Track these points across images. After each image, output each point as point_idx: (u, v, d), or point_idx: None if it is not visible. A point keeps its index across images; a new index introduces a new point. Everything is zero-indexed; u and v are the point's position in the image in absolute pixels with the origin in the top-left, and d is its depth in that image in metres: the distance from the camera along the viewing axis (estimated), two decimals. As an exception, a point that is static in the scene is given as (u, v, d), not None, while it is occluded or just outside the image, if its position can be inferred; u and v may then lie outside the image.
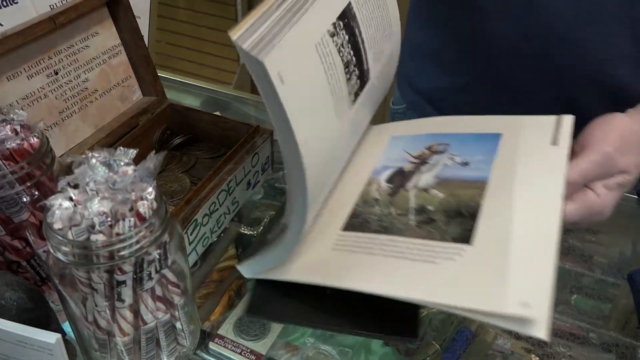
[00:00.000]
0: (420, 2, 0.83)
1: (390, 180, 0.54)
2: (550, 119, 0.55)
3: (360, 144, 0.59)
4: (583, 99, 0.70)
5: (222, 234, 0.64)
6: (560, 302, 0.59)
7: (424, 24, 0.83)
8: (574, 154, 0.52)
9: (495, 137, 0.55)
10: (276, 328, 0.55)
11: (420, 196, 0.51)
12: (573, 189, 0.49)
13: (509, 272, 0.41)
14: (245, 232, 0.66)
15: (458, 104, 0.80)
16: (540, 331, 0.37)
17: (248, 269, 0.51)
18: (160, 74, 0.74)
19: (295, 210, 0.44)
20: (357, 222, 0.50)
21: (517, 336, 0.55)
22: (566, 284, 0.61)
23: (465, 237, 0.45)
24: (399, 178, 0.54)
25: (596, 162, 0.50)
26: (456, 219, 0.47)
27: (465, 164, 0.53)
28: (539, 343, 0.54)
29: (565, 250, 0.64)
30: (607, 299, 0.59)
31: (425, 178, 0.53)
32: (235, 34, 0.36)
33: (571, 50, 0.67)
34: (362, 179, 0.55)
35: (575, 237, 0.66)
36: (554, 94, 0.71)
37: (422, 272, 0.43)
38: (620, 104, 0.71)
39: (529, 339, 0.55)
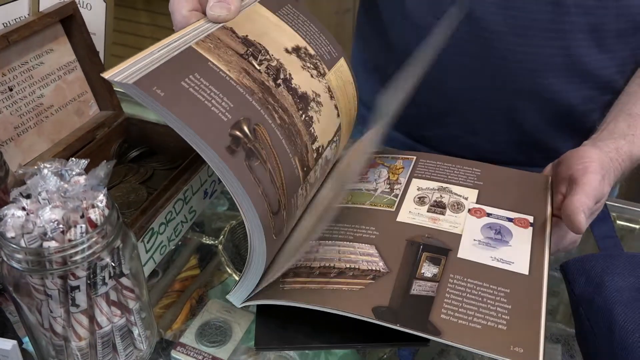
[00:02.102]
0: (362, 18, 0.85)
1: None
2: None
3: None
4: (521, 107, 0.74)
5: (182, 243, 0.65)
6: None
7: (367, 40, 0.85)
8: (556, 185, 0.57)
9: None
10: (238, 333, 0.56)
11: None
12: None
13: None
14: (207, 242, 0.67)
15: (405, 116, 0.82)
16: None
17: (234, 297, 0.52)
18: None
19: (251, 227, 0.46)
20: None
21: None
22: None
23: None
24: None
25: (595, 189, 0.52)
26: None
27: None
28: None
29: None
30: (555, 293, 0.62)
31: None
32: (107, 74, 0.40)
33: (504, 61, 0.70)
34: None
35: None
36: (494, 103, 0.75)
37: None
38: (555, 112, 0.75)
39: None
